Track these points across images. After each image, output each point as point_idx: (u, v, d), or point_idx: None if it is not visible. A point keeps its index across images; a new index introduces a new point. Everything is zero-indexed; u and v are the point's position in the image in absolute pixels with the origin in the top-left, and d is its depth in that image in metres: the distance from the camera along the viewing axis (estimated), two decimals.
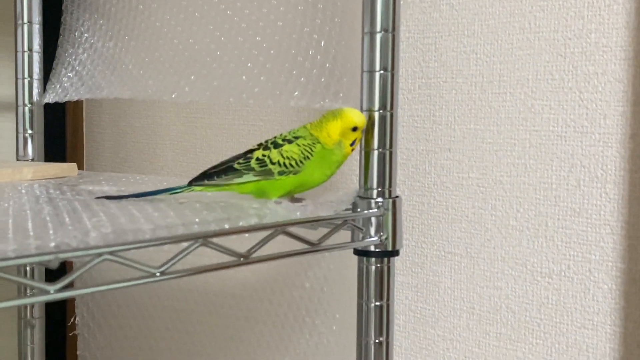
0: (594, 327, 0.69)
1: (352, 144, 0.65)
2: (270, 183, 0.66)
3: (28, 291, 0.96)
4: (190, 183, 0.66)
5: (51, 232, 0.50)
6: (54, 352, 1.19)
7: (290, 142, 0.66)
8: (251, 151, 0.67)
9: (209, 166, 0.67)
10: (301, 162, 0.65)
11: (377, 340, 0.68)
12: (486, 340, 0.76)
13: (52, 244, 0.47)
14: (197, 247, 0.53)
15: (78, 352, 0.99)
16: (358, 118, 0.65)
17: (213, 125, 1.06)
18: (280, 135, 0.67)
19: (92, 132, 1.27)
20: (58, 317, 1.22)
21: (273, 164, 0.65)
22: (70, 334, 1.00)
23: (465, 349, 0.78)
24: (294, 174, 0.65)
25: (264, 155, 0.66)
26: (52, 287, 0.46)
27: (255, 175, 0.65)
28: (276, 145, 0.66)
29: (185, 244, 0.53)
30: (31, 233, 0.50)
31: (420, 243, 0.82)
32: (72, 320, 0.98)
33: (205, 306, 0.90)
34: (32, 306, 0.97)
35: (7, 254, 0.45)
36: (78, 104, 1.28)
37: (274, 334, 0.85)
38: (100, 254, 0.48)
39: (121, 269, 0.51)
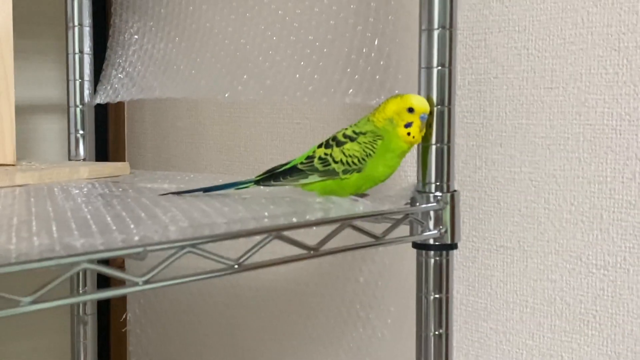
0: None
1: (406, 126, 0.65)
2: (336, 183, 0.67)
3: (81, 289, 0.99)
4: (257, 183, 0.67)
5: (132, 226, 0.52)
6: (100, 348, 1.21)
7: (352, 139, 0.66)
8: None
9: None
10: (363, 159, 0.66)
11: (436, 332, 0.69)
12: (540, 332, 0.77)
13: (137, 238, 0.49)
14: (271, 240, 0.55)
15: (130, 348, 1.01)
16: (417, 100, 0.65)
17: (257, 124, 1.07)
18: (341, 131, 0.68)
19: (134, 132, 1.28)
20: (103, 314, 1.24)
21: (336, 162, 0.66)
22: (122, 330, 1.02)
23: (518, 341, 0.79)
24: (358, 171, 0.66)
25: (326, 154, 0.67)
26: (140, 279, 0.47)
27: (320, 176, 0.67)
28: (338, 143, 0.67)
29: (258, 238, 0.55)
30: (113, 227, 0.51)
31: (471, 237, 0.83)
32: (124, 316, 1.00)
33: (257, 302, 0.91)
34: (85, 303, 0.99)
35: (97, 247, 0.47)
36: (120, 105, 1.29)
37: (327, 329, 0.86)
38: (183, 247, 0.49)
39: (181, 262, 0.53)
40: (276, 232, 0.55)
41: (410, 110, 0.65)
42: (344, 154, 0.66)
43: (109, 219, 0.55)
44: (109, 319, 1.25)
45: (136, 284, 0.47)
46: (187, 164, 1.18)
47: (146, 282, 0.47)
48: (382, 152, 0.66)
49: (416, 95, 0.66)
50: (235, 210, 0.59)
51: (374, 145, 0.66)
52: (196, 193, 0.68)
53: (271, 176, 0.68)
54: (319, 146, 0.68)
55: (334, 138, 0.68)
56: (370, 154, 0.66)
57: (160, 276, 0.50)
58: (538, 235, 0.77)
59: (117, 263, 1.06)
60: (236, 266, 0.52)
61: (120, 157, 1.29)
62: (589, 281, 0.74)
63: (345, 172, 0.66)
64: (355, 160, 0.66)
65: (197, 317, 0.96)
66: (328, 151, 0.67)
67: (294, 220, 0.58)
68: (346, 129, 0.68)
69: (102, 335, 1.25)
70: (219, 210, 0.59)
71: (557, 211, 0.76)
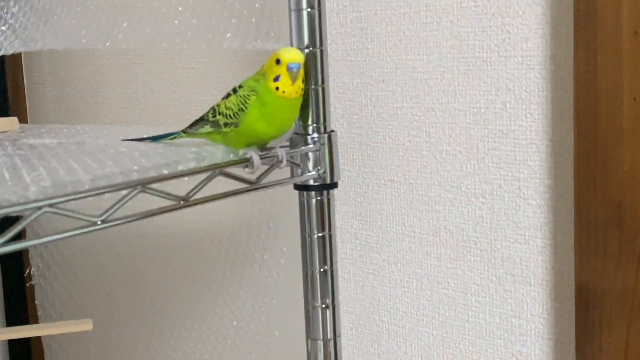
0: (526, 241, 0.72)
1: (275, 80, 0.62)
2: (222, 136, 0.65)
3: None
4: (184, 130, 0.68)
5: None
6: (14, 302, 1.21)
7: (235, 91, 0.65)
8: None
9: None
10: (236, 114, 0.63)
11: (321, 269, 0.71)
12: (428, 261, 0.80)
13: None
14: (137, 193, 0.55)
15: (36, 302, 1.01)
16: (283, 51, 0.62)
17: (153, 70, 1.06)
18: (244, 80, 0.66)
19: (33, 84, 1.26)
20: (15, 269, 1.24)
21: (220, 114, 0.64)
22: (27, 285, 1.02)
23: (409, 271, 0.82)
24: (235, 126, 0.63)
25: (218, 105, 0.65)
26: None
27: (211, 127, 0.65)
28: (227, 95, 0.65)
29: (124, 192, 0.55)
30: None
31: (361, 173, 0.84)
32: (27, 271, 1.00)
33: (157, 249, 0.92)
34: None
35: None
36: (16, 57, 1.26)
37: (225, 271, 0.87)
38: (39, 207, 0.50)
39: (68, 220, 0.53)
40: (142, 186, 0.55)
41: (278, 62, 0.62)
42: (225, 106, 0.64)
43: None
44: (22, 275, 1.25)
45: None
46: (87, 114, 1.17)
47: (2, 245, 0.48)
48: (258, 107, 0.63)
49: (291, 48, 0.65)
50: (104, 166, 0.59)
51: (247, 101, 0.63)
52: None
53: (190, 125, 0.68)
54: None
55: (235, 88, 0.65)
56: (242, 109, 0.63)
57: (34, 236, 0.50)
58: (421, 168, 0.79)
59: None
60: (99, 222, 0.53)
61: (20, 111, 1.27)
62: (469, 209, 0.76)
63: (226, 125, 0.64)
64: (231, 114, 0.63)
65: (100, 267, 0.96)
66: (222, 102, 0.65)
67: (165, 172, 0.59)
68: (247, 78, 0.65)
69: (15, 291, 1.24)
70: (88, 166, 0.59)
71: (437, 144, 0.77)
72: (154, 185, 0.57)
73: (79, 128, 0.85)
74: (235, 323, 0.88)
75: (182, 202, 0.58)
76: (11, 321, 1.09)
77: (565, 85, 0.68)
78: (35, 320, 1.18)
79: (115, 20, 0.83)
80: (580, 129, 0.65)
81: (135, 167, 0.58)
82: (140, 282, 0.95)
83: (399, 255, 0.83)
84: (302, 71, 0.63)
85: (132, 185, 0.55)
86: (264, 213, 0.82)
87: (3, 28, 0.94)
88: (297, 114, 0.66)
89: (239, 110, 0.63)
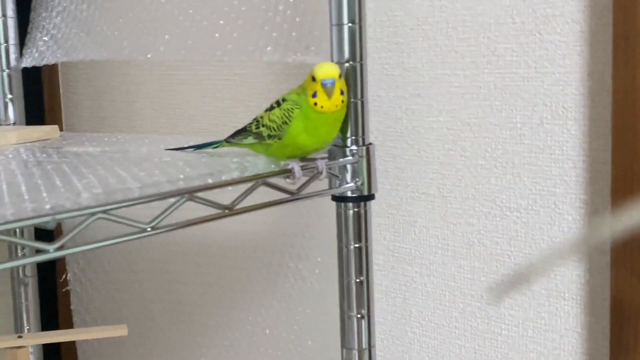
0: None
1: (313, 96, 0.63)
2: (264, 147, 0.66)
3: (19, 252, 1.00)
4: (227, 140, 0.70)
5: (45, 194, 0.53)
6: (46, 308, 1.22)
7: (279, 104, 0.66)
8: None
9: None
10: (280, 127, 0.64)
11: (357, 280, 0.72)
12: (461, 274, 0.81)
13: (48, 206, 0.50)
14: (184, 201, 0.56)
15: (72, 307, 1.03)
16: (317, 68, 0.64)
17: (188, 81, 1.08)
18: (285, 93, 0.67)
19: (69, 93, 1.28)
20: (48, 274, 1.25)
21: (263, 126, 0.65)
22: (63, 290, 1.03)
23: (441, 283, 0.83)
24: (279, 138, 0.65)
25: (261, 117, 0.66)
26: (51, 247, 0.49)
27: (254, 138, 0.66)
28: (271, 108, 0.66)
29: (172, 200, 0.57)
30: (26, 197, 0.53)
31: (395, 185, 0.85)
32: (63, 277, 1.02)
33: (192, 257, 0.94)
34: (24, 265, 1.00)
35: (7, 217, 0.48)
36: (53, 66, 1.28)
37: (260, 280, 0.89)
38: (93, 213, 0.51)
39: (109, 226, 0.55)
40: (189, 195, 0.57)
41: (313, 79, 0.63)
42: (269, 118, 0.65)
43: (23, 188, 0.56)
44: (55, 280, 1.27)
45: (47, 251, 0.49)
46: (122, 123, 1.19)
47: (57, 249, 0.49)
48: (301, 120, 0.64)
49: (326, 62, 0.66)
50: (152, 175, 0.60)
51: (290, 114, 0.64)
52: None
53: (234, 133, 0.69)
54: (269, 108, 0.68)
55: (278, 101, 0.66)
56: (286, 122, 0.64)
57: (72, 242, 0.51)
58: (456, 182, 0.80)
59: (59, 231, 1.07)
60: (149, 229, 0.54)
61: (56, 119, 1.29)
62: (504, 223, 0.77)
63: (269, 137, 0.65)
64: (275, 126, 0.65)
65: (135, 274, 0.98)
66: (266, 114, 0.67)
67: (210, 181, 0.60)
68: (289, 91, 0.67)
69: (49, 296, 1.26)
70: (136, 175, 0.60)
71: (472, 158, 0.78)
72: (200, 194, 0.58)
73: (119, 137, 0.86)
74: (268, 331, 0.89)
75: (226, 211, 0.60)
76: (43, 326, 1.10)
77: (602, 102, 0.69)
78: (66, 325, 1.20)
79: (157, 33, 0.85)
80: (618, 145, 0.65)
81: (182, 176, 0.59)
82: (175, 289, 0.96)
83: (431, 267, 0.83)
84: (339, 83, 0.64)
85: (180, 194, 0.56)
86: (299, 223, 0.83)
87: (45, 38, 0.97)
88: (339, 126, 0.67)
89: (282, 123, 0.64)
